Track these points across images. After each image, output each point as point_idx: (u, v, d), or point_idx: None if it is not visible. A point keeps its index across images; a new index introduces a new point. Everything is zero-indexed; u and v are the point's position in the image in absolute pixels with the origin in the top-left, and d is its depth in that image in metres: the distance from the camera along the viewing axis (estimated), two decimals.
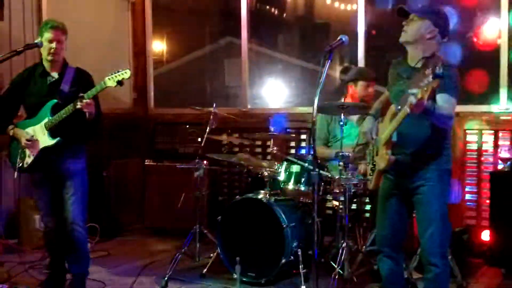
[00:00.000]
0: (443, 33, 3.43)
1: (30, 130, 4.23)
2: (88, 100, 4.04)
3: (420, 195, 3.43)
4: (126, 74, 4.11)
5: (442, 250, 3.41)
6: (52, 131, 4.17)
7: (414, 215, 3.71)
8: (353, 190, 4.50)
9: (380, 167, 3.50)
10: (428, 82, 2.92)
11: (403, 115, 3.17)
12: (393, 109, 3.40)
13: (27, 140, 4.18)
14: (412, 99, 2.99)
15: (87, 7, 6.65)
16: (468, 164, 5.56)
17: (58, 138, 4.17)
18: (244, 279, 4.56)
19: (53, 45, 4.18)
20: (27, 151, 4.23)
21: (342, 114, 4.46)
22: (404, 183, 3.48)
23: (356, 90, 5.09)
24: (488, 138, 5.50)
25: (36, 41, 4.22)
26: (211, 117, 5.23)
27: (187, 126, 6.42)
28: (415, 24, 3.41)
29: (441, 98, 3.27)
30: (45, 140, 4.18)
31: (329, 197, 4.79)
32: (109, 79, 4.10)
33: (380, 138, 3.51)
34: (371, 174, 3.67)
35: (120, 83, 4.11)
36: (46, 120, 4.18)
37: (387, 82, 3.71)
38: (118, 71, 4.11)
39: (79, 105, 4.03)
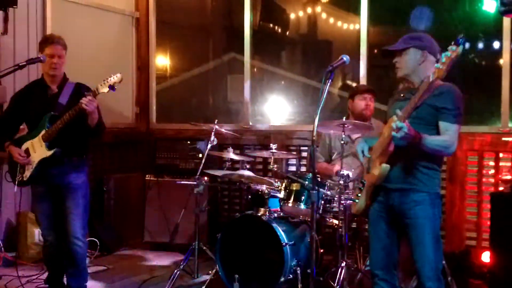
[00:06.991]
0: (433, 52, 3.42)
1: (28, 144, 4.25)
2: (90, 97, 4.04)
3: (412, 219, 3.37)
4: (117, 77, 4.12)
5: (437, 273, 3.38)
6: (51, 142, 4.18)
7: None
8: None
9: (373, 179, 3.42)
10: (452, 52, 3.01)
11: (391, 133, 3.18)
12: (394, 119, 3.32)
13: (19, 154, 4.20)
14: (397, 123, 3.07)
15: (91, 22, 6.68)
16: (469, 185, 5.55)
17: (55, 149, 4.18)
18: None
19: (54, 60, 4.22)
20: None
21: (343, 133, 4.47)
22: (394, 206, 3.43)
23: (355, 105, 5.09)
24: (488, 159, 5.49)
25: (39, 56, 4.25)
26: (212, 133, 5.24)
27: (188, 142, 6.43)
28: (405, 57, 3.42)
29: (441, 127, 3.30)
30: (43, 152, 4.20)
31: (329, 215, 4.78)
32: (101, 85, 4.13)
33: (374, 150, 3.47)
34: (358, 195, 3.60)
35: (112, 87, 4.12)
36: (43, 132, 4.20)
37: (388, 103, 3.71)
38: (110, 77, 4.13)
39: (82, 101, 4.02)
